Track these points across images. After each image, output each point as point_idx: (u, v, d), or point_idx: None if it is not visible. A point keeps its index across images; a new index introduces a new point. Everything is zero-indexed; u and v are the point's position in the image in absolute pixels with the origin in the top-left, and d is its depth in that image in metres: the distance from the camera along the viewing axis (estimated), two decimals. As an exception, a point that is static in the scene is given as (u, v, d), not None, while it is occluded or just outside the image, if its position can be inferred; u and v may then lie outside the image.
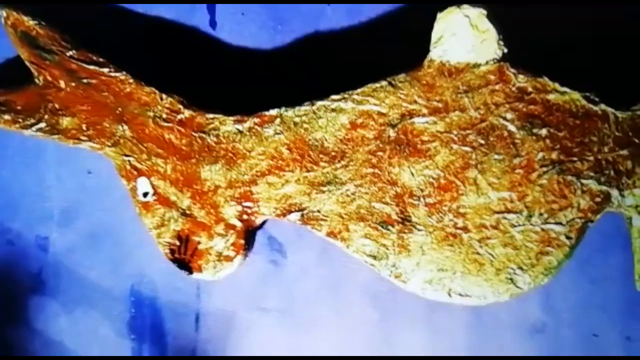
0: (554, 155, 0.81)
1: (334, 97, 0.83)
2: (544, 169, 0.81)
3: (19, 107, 0.85)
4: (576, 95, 0.81)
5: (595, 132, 0.81)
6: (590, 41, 0.86)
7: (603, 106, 0.81)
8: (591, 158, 0.81)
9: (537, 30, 0.86)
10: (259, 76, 0.90)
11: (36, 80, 0.85)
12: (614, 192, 0.81)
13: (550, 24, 0.87)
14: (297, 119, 0.84)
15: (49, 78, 0.85)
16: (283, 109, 0.84)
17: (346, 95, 0.83)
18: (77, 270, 0.93)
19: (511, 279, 0.81)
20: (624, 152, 0.80)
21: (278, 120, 0.84)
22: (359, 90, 0.83)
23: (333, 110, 0.83)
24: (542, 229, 0.81)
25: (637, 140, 0.80)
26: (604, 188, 0.81)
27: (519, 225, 0.81)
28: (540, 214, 0.81)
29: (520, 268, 0.81)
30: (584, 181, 0.81)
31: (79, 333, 0.94)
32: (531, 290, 0.82)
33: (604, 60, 0.86)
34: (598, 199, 0.81)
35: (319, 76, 0.89)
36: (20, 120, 0.85)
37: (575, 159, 0.81)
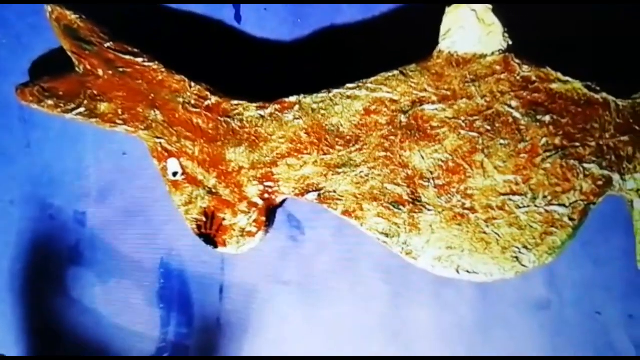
0: (557, 141, 0.83)
1: (349, 85, 0.86)
2: (548, 153, 0.83)
3: (61, 93, 0.88)
4: (578, 84, 0.83)
5: (597, 119, 0.83)
6: (590, 40, 0.89)
7: (604, 94, 0.83)
8: (593, 144, 0.83)
9: (537, 30, 0.89)
10: (280, 66, 0.92)
11: (77, 69, 0.88)
12: (616, 177, 0.83)
13: (549, 23, 0.89)
14: (314, 106, 0.86)
15: (89, 67, 0.88)
16: (302, 96, 0.87)
17: (360, 84, 0.86)
18: (111, 243, 0.96)
19: (516, 258, 0.84)
20: (625, 138, 0.83)
21: (297, 106, 0.87)
22: (372, 79, 0.86)
23: (348, 97, 0.86)
24: (546, 211, 0.83)
25: (637, 127, 0.83)
26: (605, 172, 0.83)
27: (524, 206, 0.83)
28: (545, 196, 0.83)
29: (525, 247, 0.84)
30: (586, 165, 0.83)
31: (112, 301, 0.96)
32: (536, 269, 0.85)
33: (603, 59, 0.89)
34: (600, 183, 0.83)
35: (335, 66, 0.91)
36: (62, 105, 0.88)
37: (577, 144, 0.83)
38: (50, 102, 0.88)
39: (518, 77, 0.84)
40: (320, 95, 0.87)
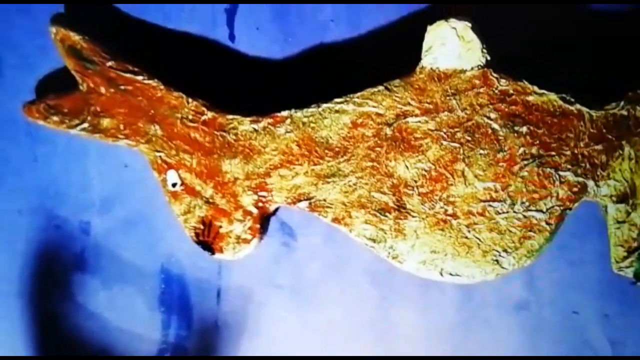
0: (534, 150, 0.85)
1: (337, 100, 0.88)
2: (525, 162, 0.85)
3: (65, 110, 0.90)
4: (553, 96, 0.86)
5: (572, 129, 0.85)
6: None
7: (578, 106, 0.85)
8: (568, 152, 0.85)
9: (531, 32, 0.91)
10: (272, 82, 0.94)
11: (80, 87, 0.90)
12: (590, 183, 0.85)
13: (544, 25, 0.91)
14: (305, 119, 0.88)
15: (92, 85, 0.90)
16: (293, 110, 0.89)
17: (348, 99, 0.88)
18: (114, 251, 0.97)
19: (497, 261, 0.86)
20: (599, 147, 0.85)
21: (288, 120, 0.88)
22: (359, 94, 0.88)
23: (337, 111, 0.88)
24: (525, 216, 0.86)
25: (610, 136, 0.85)
26: (580, 179, 0.85)
27: (503, 212, 0.86)
28: (523, 202, 0.85)
29: (505, 251, 0.86)
30: (562, 173, 0.85)
31: (115, 306, 0.98)
32: (515, 271, 0.87)
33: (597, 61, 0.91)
34: (575, 189, 0.85)
35: (324, 82, 0.93)
36: (67, 121, 0.90)
37: (553, 153, 0.85)
38: (55, 118, 0.90)
39: (496, 91, 0.86)
40: (310, 109, 0.88)
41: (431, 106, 0.87)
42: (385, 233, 0.88)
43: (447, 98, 0.87)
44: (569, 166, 0.86)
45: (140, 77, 0.90)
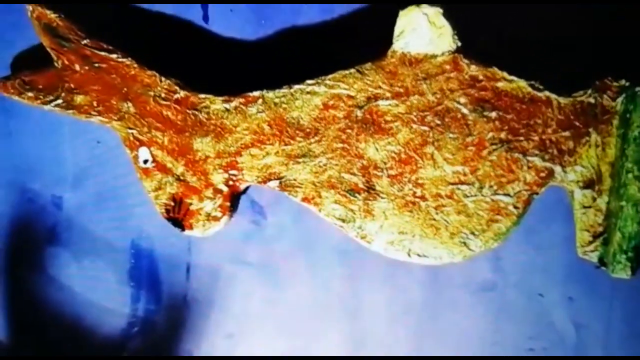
0: (502, 135, 0.86)
1: (309, 81, 0.88)
2: (494, 146, 0.86)
3: (40, 86, 0.90)
4: (522, 83, 0.86)
5: (540, 115, 0.86)
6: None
7: (547, 93, 0.86)
8: (536, 138, 0.86)
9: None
10: (245, 63, 0.95)
11: (55, 64, 0.90)
12: (557, 169, 0.87)
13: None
14: (277, 100, 0.89)
15: (66, 62, 0.90)
16: (265, 91, 0.89)
17: (319, 80, 0.88)
18: (86, 225, 0.98)
19: (464, 243, 0.87)
20: (566, 133, 0.86)
21: (260, 100, 0.89)
22: (330, 76, 0.88)
23: (308, 93, 0.89)
24: (492, 199, 0.87)
25: (577, 123, 0.86)
26: (547, 165, 0.86)
27: (471, 195, 0.87)
28: (490, 186, 0.87)
29: (473, 233, 0.87)
30: (529, 158, 0.86)
31: (86, 279, 0.99)
32: (482, 253, 0.89)
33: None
34: (542, 174, 0.87)
35: (296, 64, 0.94)
36: (41, 97, 0.90)
37: (521, 138, 0.86)
38: (30, 94, 0.90)
39: (466, 76, 0.87)
40: (282, 90, 0.89)
41: (402, 90, 0.88)
42: (355, 213, 0.89)
43: (418, 82, 0.88)
44: (536, 152, 0.87)
45: (114, 55, 0.91)
